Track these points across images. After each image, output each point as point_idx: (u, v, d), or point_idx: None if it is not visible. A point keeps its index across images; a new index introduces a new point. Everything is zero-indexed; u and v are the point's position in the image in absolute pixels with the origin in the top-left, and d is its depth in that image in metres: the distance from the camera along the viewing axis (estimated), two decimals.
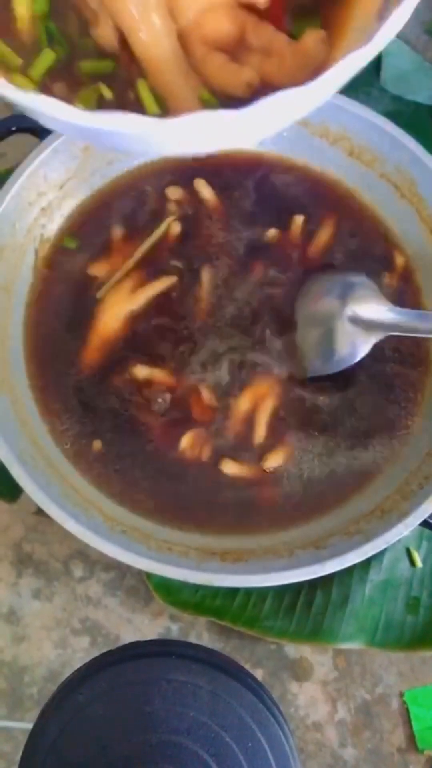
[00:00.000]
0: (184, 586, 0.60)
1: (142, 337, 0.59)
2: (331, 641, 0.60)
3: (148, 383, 0.57)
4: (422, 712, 0.60)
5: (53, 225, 0.60)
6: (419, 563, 0.62)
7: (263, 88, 0.34)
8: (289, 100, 0.27)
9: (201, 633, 0.62)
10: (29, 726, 0.36)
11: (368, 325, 0.54)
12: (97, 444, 0.56)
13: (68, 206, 0.61)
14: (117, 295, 0.59)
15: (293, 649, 0.61)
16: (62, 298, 0.60)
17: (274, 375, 0.58)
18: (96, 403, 0.57)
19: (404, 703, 0.60)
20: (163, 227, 0.61)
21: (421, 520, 0.51)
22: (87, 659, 0.60)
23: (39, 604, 0.62)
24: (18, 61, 0.38)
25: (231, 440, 0.56)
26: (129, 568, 0.62)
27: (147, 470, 0.55)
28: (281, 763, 0.33)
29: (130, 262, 0.60)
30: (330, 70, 0.27)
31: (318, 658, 0.61)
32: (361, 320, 0.54)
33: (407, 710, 0.60)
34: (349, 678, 0.61)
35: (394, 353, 0.59)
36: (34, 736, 0.34)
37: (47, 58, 0.38)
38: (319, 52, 0.34)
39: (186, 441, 0.56)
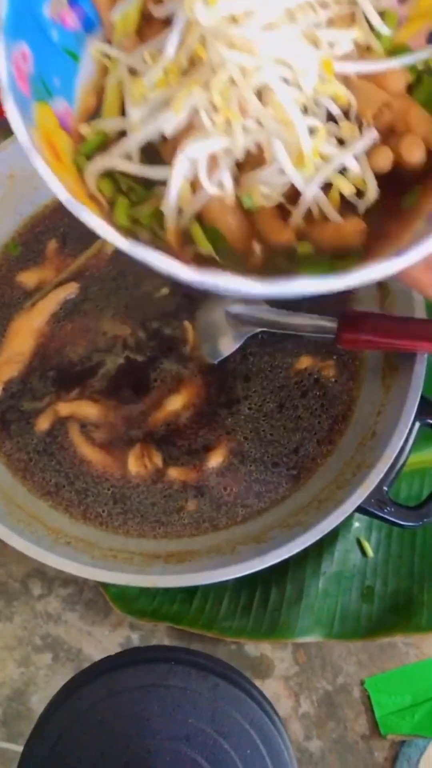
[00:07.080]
0: (141, 594, 0.60)
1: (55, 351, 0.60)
2: (289, 636, 0.61)
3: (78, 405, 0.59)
4: (383, 699, 0.61)
5: None
6: (371, 553, 0.64)
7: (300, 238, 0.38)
8: (307, 287, 0.33)
9: (162, 639, 0.62)
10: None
11: (243, 321, 0.59)
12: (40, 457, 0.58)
13: None
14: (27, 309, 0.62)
15: (253, 648, 0.62)
16: None
17: (199, 380, 0.59)
18: (34, 421, 0.58)
19: (365, 691, 0.61)
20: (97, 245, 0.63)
21: (356, 506, 0.52)
22: (50, 676, 0.61)
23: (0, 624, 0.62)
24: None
25: (171, 448, 0.57)
26: (86, 581, 0.63)
27: (89, 480, 0.57)
28: None
29: (62, 275, 0.61)
30: (341, 279, 0.33)
31: (278, 654, 0.62)
32: (236, 316, 0.59)
33: (369, 698, 0.61)
34: (310, 671, 0.62)
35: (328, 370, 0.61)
36: (33, 741, 0.34)
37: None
38: (353, 240, 0.38)
39: (132, 457, 0.57)
